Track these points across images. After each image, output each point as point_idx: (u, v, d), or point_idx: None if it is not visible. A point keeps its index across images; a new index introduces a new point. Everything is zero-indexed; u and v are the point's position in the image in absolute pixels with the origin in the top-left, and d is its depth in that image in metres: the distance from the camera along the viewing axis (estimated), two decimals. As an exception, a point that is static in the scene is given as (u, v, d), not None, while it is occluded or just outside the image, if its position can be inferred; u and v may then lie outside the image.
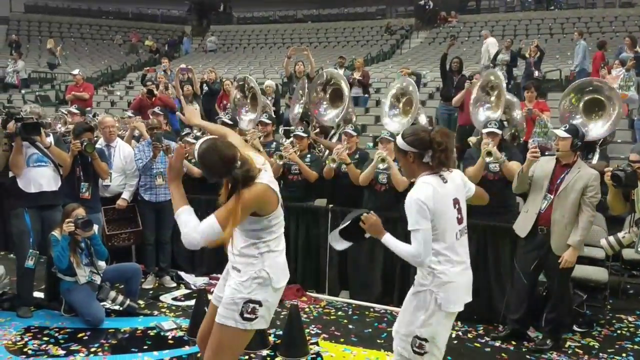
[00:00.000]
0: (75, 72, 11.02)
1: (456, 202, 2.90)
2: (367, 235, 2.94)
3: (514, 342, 4.40)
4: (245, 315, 2.72)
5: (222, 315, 2.74)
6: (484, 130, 4.92)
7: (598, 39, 13.69)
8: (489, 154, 4.69)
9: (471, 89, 7.82)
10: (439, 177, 2.84)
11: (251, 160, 2.71)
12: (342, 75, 7.24)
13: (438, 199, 2.80)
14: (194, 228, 2.58)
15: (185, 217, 2.62)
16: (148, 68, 15.11)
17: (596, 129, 5.17)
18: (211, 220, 2.57)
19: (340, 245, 3.03)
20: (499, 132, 4.84)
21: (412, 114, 6.27)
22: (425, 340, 2.88)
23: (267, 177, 2.74)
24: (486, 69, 12.83)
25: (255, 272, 2.73)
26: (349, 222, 2.95)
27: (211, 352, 2.79)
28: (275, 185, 2.77)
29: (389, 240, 2.89)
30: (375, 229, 2.89)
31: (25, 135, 4.57)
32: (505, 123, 5.89)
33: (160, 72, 11.46)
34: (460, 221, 2.91)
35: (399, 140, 2.92)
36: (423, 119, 6.86)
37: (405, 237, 5.14)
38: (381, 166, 5.13)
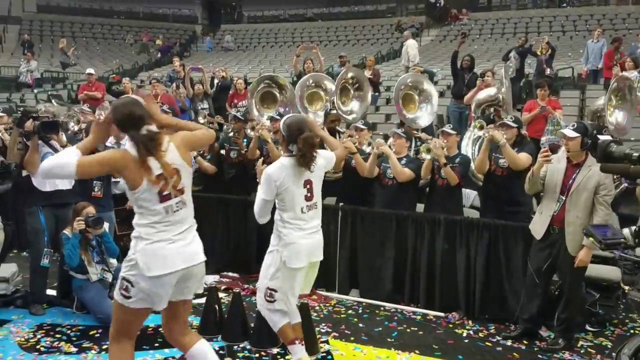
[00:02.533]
0: (91, 71, 11.06)
1: (308, 182, 3.51)
2: None
3: (525, 342, 4.38)
4: (121, 291, 2.85)
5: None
6: (498, 123, 4.92)
7: (611, 36, 13.54)
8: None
9: (482, 86, 7.80)
10: (297, 161, 3.43)
11: (158, 136, 2.80)
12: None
13: (288, 178, 3.43)
14: (55, 157, 2.80)
15: (66, 150, 2.88)
16: (114, 75, 14.47)
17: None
18: (73, 159, 2.70)
19: None
20: (514, 125, 4.80)
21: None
22: (275, 290, 3.57)
23: (131, 148, 2.79)
24: (406, 70, 13.03)
25: (130, 254, 2.86)
26: None
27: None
28: (152, 164, 2.77)
29: None
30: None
31: (43, 134, 4.58)
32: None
33: (126, 79, 11.21)
34: (308, 198, 3.53)
35: (285, 117, 3.64)
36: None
37: (415, 235, 5.12)
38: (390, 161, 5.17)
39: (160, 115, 3.06)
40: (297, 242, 3.51)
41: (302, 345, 3.77)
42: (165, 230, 2.84)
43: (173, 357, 3.98)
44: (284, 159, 3.52)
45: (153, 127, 2.82)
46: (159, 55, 21.92)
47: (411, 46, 13.30)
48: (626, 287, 2.90)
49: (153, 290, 2.82)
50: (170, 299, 2.95)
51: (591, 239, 2.73)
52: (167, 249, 2.83)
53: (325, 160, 3.66)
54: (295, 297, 3.66)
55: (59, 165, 2.70)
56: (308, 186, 3.52)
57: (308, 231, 3.55)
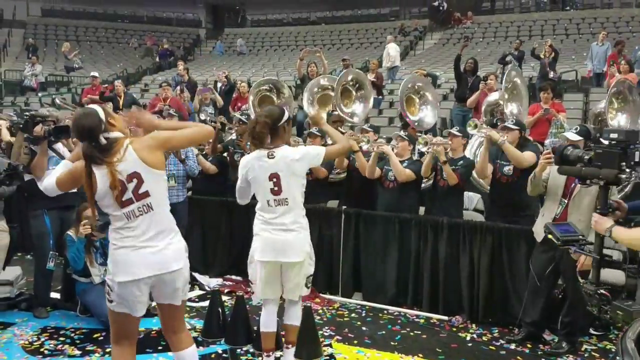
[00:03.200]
0: (95, 74, 11.10)
1: (274, 176, 3.48)
2: None
3: (529, 345, 4.37)
4: (106, 295, 2.91)
5: None
6: (499, 126, 4.91)
7: (614, 39, 13.53)
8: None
9: (485, 89, 7.82)
10: (266, 152, 3.48)
11: (116, 143, 2.78)
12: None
13: (254, 168, 3.51)
14: (46, 179, 2.97)
15: (58, 168, 2.96)
16: (107, 85, 13.73)
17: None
18: (52, 177, 2.91)
19: None
20: (514, 127, 4.78)
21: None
22: (251, 282, 3.78)
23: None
24: (388, 71, 13.11)
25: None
26: None
27: None
28: (100, 173, 2.74)
29: None
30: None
31: (55, 138, 4.58)
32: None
33: (118, 82, 11.08)
34: (275, 192, 3.49)
35: None
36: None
37: (418, 238, 5.11)
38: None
39: (154, 122, 3.07)
40: (260, 234, 3.57)
41: (290, 348, 3.80)
42: (130, 236, 2.80)
43: (176, 360, 3.98)
44: (257, 151, 3.57)
45: (113, 134, 2.79)
46: (157, 59, 21.90)
47: (391, 48, 13.64)
48: (582, 280, 2.94)
49: (125, 296, 2.83)
50: (159, 301, 2.99)
51: (550, 236, 2.76)
52: (131, 256, 2.79)
53: (300, 154, 3.53)
54: (263, 294, 3.68)
55: (47, 188, 2.95)
56: (275, 179, 3.49)
57: (275, 226, 3.52)
